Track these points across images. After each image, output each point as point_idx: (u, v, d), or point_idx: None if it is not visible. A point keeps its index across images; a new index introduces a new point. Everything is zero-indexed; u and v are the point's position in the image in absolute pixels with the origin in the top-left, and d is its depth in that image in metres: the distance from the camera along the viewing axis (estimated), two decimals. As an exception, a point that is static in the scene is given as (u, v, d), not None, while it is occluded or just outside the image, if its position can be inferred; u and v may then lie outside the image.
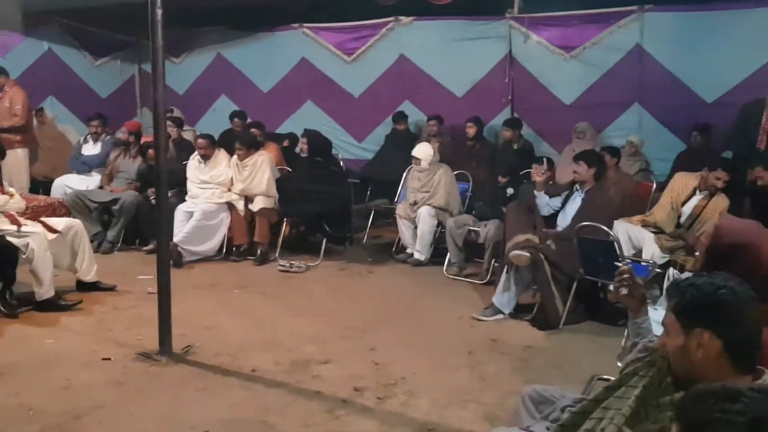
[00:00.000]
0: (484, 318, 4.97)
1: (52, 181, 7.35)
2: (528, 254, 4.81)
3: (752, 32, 6.49)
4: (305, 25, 8.73)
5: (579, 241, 4.78)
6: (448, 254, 6.15)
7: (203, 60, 9.52)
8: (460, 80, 8.07)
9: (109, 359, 4.05)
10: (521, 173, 6.67)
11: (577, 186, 5.35)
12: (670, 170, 6.50)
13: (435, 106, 8.10)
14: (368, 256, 6.67)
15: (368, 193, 8.11)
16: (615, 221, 5.32)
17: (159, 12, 3.66)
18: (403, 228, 6.50)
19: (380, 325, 4.82)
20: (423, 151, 6.43)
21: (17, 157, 7.16)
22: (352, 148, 8.84)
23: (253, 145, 6.39)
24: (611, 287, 2.34)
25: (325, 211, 6.20)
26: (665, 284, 4.74)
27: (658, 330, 2.35)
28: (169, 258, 4.18)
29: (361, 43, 8.51)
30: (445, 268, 6.14)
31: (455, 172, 6.85)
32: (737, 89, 6.55)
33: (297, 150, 7.61)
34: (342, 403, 3.57)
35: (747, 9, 6.54)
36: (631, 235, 5.44)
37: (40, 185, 7.52)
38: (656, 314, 2.97)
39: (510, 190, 6.20)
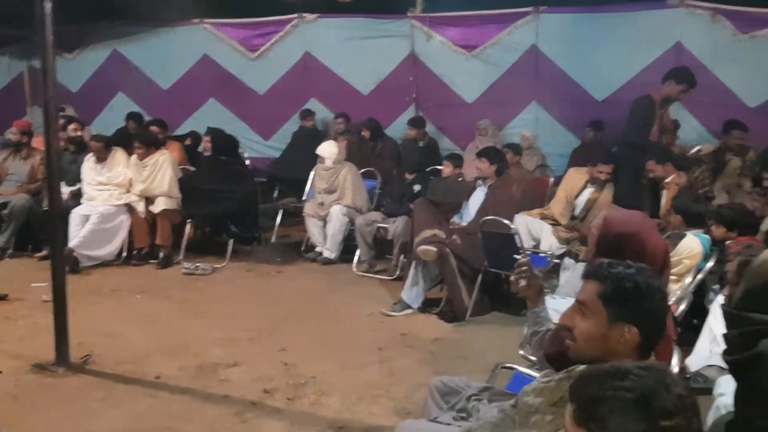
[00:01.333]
0: (394, 313, 5.03)
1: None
2: (435, 249, 4.91)
3: (640, 33, 6.85)
4: (206, 20, 8.51)
5: (482, 235, 4.92)
6: (358, 251, 6.18)
7: (98, 56, 9.07)
8: (366, 78, 8.11)
9: (0, 372, 3.82)
10: (427, 170, 6.80)
11: (480, 182, 5.51)
12: (567, 165, 6.79)
13: (341, 103, 8.11)
14: (277, 255, 6.60)
15: (276, 191, 8.02)
16: (515, 215, 5.52)
17: (48, 5, 3.48)
18: (312, 227, 6.47)
19: (290, 325, 4.79)
20: (327, 149, 6.43)
21: None
22: (258, 146, 8.71)
23: (153, 144, 6.18)
24: (512, 278, 2.42)
25: (231, 211, 6.08)
26: (561, 274, 4.98)
27: (555, 318, 2.46)
28: (64, 264, 3.98)
29: (266, 39, 8.38)
30: (354, 265, 6.16)
31: (363, 170, 6.91)
32: (626, 88, 6.90)
33: (200, 149, 7.42)
34: (251, 406, 3.53)
35: (635, 12, 6.90)
36: (531, 228, 5.65)
37: None
38: (554, 303, 3.12)
39: (417, 187, 6.29)
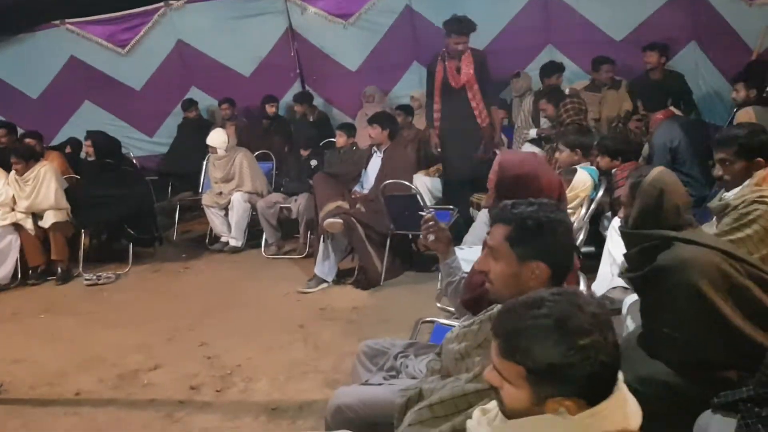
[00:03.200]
0: (309, 290, 5.07)
1: None
2: (340, 221, 4.95)
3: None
4: (68, 20, 8.01)
5: (385, 200, 5.01)
6: (264, 235, 6.14)
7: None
8: (246, 60, 7.94)
9: None
10: (321, 144, 6.80)
11: (375, 148, 5.58)
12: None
13: (224, 89, 7.92)
14: (182, 252, 6.44)
15: (170, 188, 7.77)
16: (414, 175, 5.64)
17: None
18: (213, 218, 6.35)
19: (207, 319, 4.73)
20: (217, 138, 6.30)
21: None
22: (144, 144, 8.40)
23: (31, 157, 5.82)
24: (420, 236, 2.50)
25: (125, 214, 5.85)
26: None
27: (466, 267, 2.57)
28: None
29: (134, 33, 7.98)
30: (263, 249, 6.12)
31: (257, 153, 6.82)
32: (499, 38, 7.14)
33: (82, 155, 7.06)
34: (179, 405, 3.50)
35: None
36: (430, 186, 5.81)
37: None
38: (463, 253, 3.24)
39: (314, 162, 6.28)
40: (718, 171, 2.76)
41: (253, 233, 6.36)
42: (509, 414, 1.28)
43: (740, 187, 2.62)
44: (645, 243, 2.32)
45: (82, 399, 3.67)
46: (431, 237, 2.46)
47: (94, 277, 5.77)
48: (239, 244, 6.27)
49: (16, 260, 5.83)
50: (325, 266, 5.12)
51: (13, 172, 5.83)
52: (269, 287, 5.27)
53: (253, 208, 6.21)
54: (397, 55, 7.65)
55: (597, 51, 6.60)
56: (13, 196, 5.81)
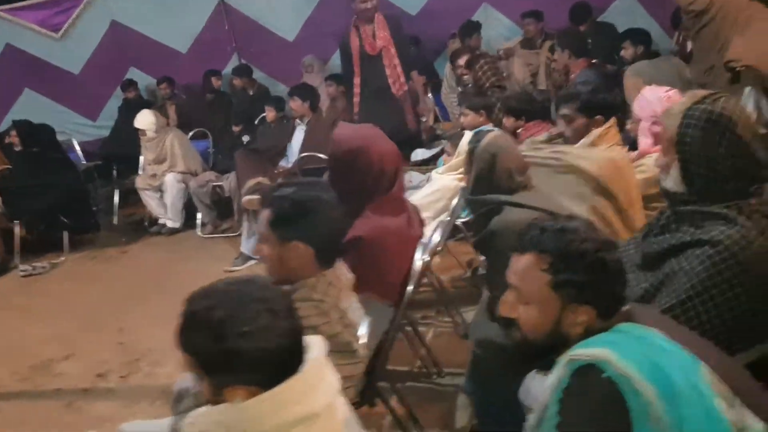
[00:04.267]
0: (236, 268, 5.07)
1: None
2: (257, 197, 4.92)
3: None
4: (1, 8, 7.88)
5: (302, 173, 4.99)
6: (199, 215, 6.12)
7: None
8: (181, 36, 7.85)
9: None
10: (257, 119, 6.73)
11: (298, 120, 5.54)
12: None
13: (162, 67, 7.83)
14: (122, 236, 6.43)
15: (114, 172, 7.72)
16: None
17: None
18: (149, 200, 6.32)
19: (130, 305, 4.73)
20: (143, 120, 6.23)
21: None
22: (87, 129, 8.33)
23: (-46, 151, 5.79)
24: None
25: (56, 203, 5.83)
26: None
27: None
28: None
29: (66, 16, 7.85)
30: (198, 229, 6.11)
31: (194, 131, 6.77)
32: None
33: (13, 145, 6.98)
34: (82, 393, 3.53)
35: None
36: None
37: None
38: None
39: (246, 138, 6.24)
40: (560, 126, 2.75)
41: (191, 213, 6.33)
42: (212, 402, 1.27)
43: (579, 143, 2.60)
44: (480, 209, 2.32)
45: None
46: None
47: (30, 268, 5.77)
48: (177, 225, 6.26)
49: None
50: (250, 243, 5.10)
51: (-64, 168, 5.79)
52: (201, 268, 5.25)
53: (188, 188, 6.18)
54: (333, 23, 7.52)
55: (532, 6, 6.52)
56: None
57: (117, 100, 8.07)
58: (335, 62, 7.64)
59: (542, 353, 1.36)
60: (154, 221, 6.48)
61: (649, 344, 1.27)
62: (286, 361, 1.24)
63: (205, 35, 7.78)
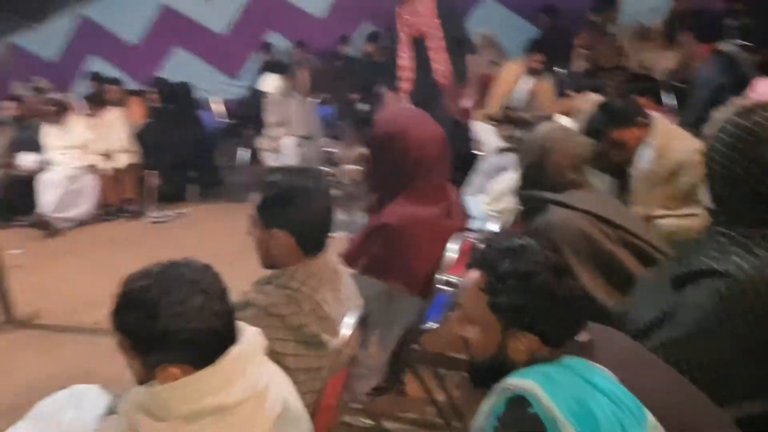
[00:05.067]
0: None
1: None
2: (360, 168, 4.98)
3: None
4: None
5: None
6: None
7: (66, 23, 9.24)
8: (320, 1, 8.04)
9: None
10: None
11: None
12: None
13: (299, 31, 8.07)
14: (246, 192, 6.77)
15: (244, 131, 8.10)
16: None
17: None
18: (269, 161, 6.60)
19: (244, 259, 4.97)
20: (270, 83, 6.48)
21: None
22: (226, 87, 8.79)
23: (102, 103, 6.37)
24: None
25: (186, 157, 6.27)
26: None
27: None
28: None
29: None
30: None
31: (322, 96, 6.94)
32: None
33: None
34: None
35: None
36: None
37: None
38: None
39: (362, 106, 6.30)
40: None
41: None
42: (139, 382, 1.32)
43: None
44: (529, 205, 2.20)
45: (97, 329, 4.06)
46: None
47: (160, 216, 6.28)
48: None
49: (94, 198, 6.47)
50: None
51: (88, 117, 6.40)
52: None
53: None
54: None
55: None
56: (90, 139, 6.40)
57: (256, 62, 8.46)
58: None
59: (491, 376, 1.27)
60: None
61: (587, 384, 1.14)
62: (216, 343, 1.27)
63: (343, 1, 7.90)
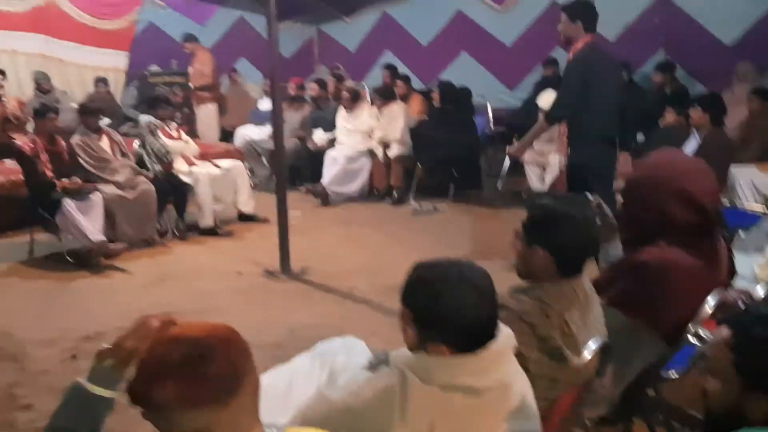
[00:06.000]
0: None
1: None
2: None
3: None
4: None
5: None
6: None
7: (371, 18, 10.21)
8: (611, 23, 7.88)
9: (241, 273, 4.99)
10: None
11: (694, 129, 5.23)
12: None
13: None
14: (499, 201, 6.99)
15: (514, 140, 8.29)
16: (734, 166, 5.18)
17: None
18: (531, 174, 6.72)
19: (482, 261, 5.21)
20: (546, 100, 6.53)
21: (208, 110, 8.50)
22: (503, 96, 9.05)
23: (390, 97, 6.99)
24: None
25: (453, 157, 6.64)
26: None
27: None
28: (285, 194, 4.96)
29: (513, -9, 8.63)
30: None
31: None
32: None
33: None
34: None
35: None
36: (757, 182, 5.22)
37: (228, 134, 8.81)
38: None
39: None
40: None
41: (565, 196, 6.54)
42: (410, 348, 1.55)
43: None
44: None
45: (352, 294, 4.58)
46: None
47: (419, 206, 6.75)
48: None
49: (366, 179, 7.15)
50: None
51: (375, 107, 7.08)
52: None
53: (568, 171, 6.38)
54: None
55: None
56: (373, 127, 7.08)
57: (537, 75, 8.59)
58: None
59: (721, 428, 1.30)
60: (532, 195, 6.87)
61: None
62: (480, 336, 1.48)
63: (634, 27, 7.69)
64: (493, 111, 8.57)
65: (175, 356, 1.12)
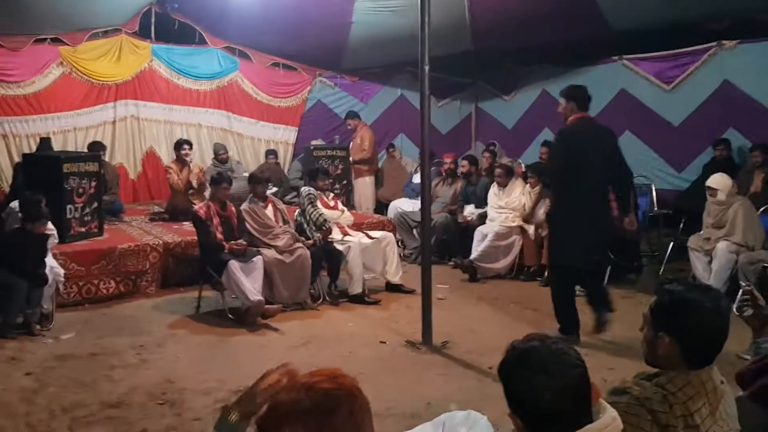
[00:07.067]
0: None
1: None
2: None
3: None
4: (625, 56, 8.86)
5: None
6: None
7: (530, 96, 10.26)
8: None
9: (385, 342, 5.08)
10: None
11: None
12: None
13: (762, 133, 7.50)
14: (654, 286, 6.56)
15: (681, 224, 7.83)
16: None
17: (426, 68, 4.60)
18: (696, 261, 6.26)
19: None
20: (719, 181, 6.14)
21: (365, 183, 8.92)
22: (669, 178, 8.60)
23: (511, 175, 6.97)
24: (735, 306, 2.40)
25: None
26: None
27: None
28: (430, 267, 5.02)
29: (681, 71, 8.29)
30: (735, 305, 5.75)
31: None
32: None
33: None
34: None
35: None
36: None
37: (383, 206, 9.14)
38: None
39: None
40: None
41: (733, 288, 6.01)
42: None
43: None
44: None
45: (491, 373, 4.45)
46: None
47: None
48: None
49: (515, 257, 7.05)
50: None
51: (528, 185, 7.05)
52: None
53: (738, 261, 5.89)
54: None
55: None
56: (525, 204, 7.02)
57: (706, 156, 8.11)
58: None
59: None
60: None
61: None
62: (551, 417, 1.48)
63: None
64: (658, 192, 8.19)
65: (307, 403, 1.26)
